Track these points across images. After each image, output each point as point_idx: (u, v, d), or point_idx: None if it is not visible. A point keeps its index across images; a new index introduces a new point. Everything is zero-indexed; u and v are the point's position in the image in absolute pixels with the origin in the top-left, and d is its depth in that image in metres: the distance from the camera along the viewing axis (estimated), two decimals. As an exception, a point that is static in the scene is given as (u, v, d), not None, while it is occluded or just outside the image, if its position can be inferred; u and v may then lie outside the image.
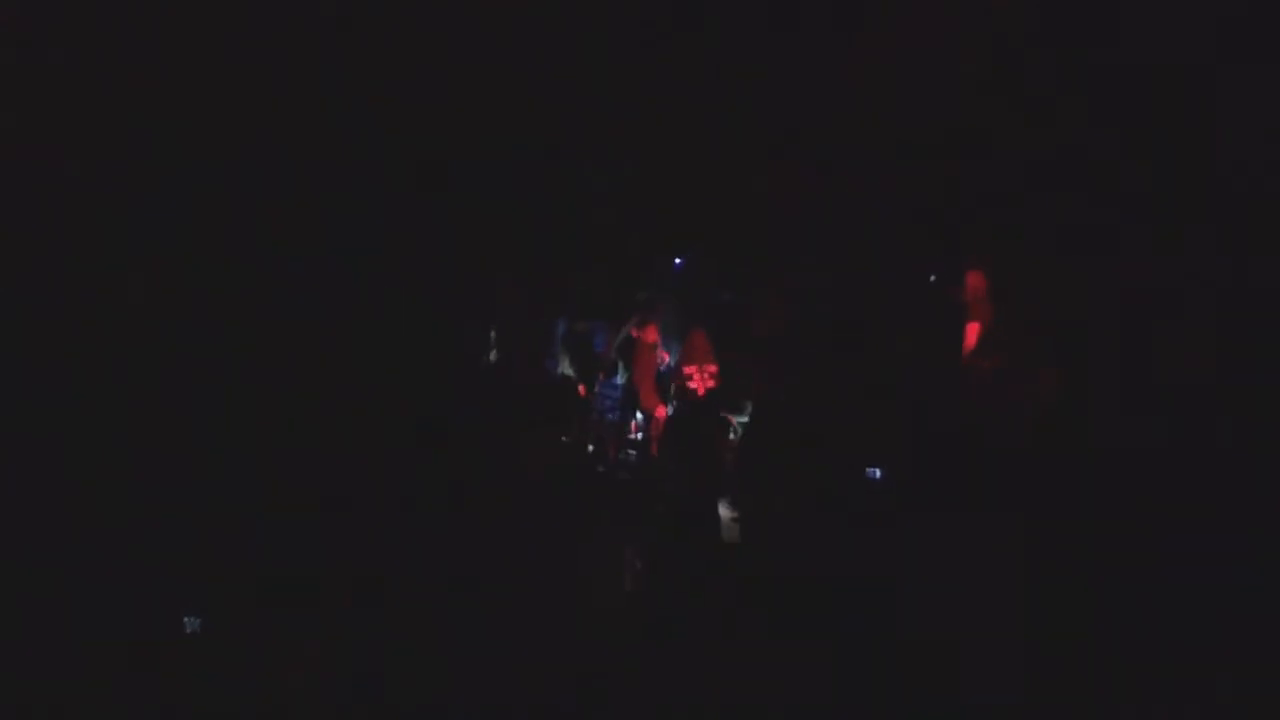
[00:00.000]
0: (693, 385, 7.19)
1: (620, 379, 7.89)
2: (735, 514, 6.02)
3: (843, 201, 6.51)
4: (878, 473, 5.56)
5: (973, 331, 5.50)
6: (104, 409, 4.06)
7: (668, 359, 7.90)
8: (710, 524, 5.52)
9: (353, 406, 4.85)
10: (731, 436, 7.09)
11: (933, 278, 6.46)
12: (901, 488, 5.30)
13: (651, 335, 7.64)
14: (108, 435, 4.04)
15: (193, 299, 4.46)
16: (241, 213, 4.65)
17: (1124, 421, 4.21)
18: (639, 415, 7.83)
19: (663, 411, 7.46)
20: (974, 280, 5.61)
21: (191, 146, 4.49)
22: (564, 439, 6.27)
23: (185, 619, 3.72)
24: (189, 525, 4.07)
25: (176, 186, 4.45)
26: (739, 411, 7.29)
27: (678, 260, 8.64)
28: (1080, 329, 4.70)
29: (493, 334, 6.96)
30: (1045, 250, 5.04)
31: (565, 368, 7.86)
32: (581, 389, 7.42)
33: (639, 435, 7.87)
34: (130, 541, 3.93)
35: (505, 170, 6.08)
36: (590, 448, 7.14)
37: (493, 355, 7.07)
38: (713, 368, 7.23)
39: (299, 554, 4.20)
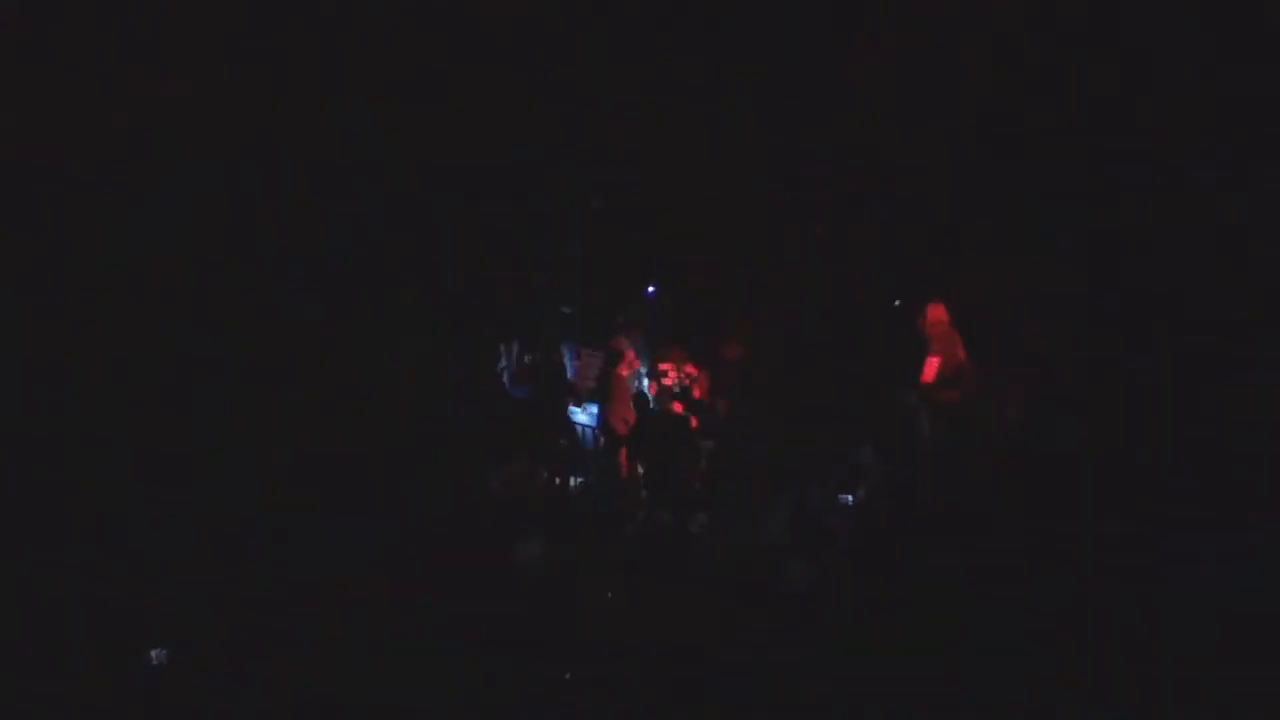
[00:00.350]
0: (668, 382, 7.14)
1: (595, 407, 7.74)
2: (705, 532, 5.90)
3: (841, 203, 6.52)
4: (850, 498, 5.50)
5: (932, 365, 5.43)
6: (104, 409, 4.06)
7: (638, 365, 7.73)
8: (680, 542, 5.47)
9: (351, 407, 4.85)
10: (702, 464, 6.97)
11: (896, 303, 6.41)
12: (881, 505, 5.28)
13: (626, 367, 7.48)
14: (107, 435, 4.04)
15: (193, 299, 4.46)
16: (242, 213, 4.65)
17: (1123, 422, 4.22)
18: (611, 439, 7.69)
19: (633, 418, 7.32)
20: (934, 312, 5.54)
21: (191, 146, 4.49)
22: (541, 468, 6.30)
23: (151, 652, 3.67)
24: (188, 525, 4.07)
25: (176, 186, 4.45)
26: (713, 435, 7.17)
27: (650, 289, 8.55)
28: (1080, 327, 4.71)
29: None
30: (1044, 249, 5.05)
31: (536, 394, 7.73)
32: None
33: (611, 461, 7.75)
34: (130, 541, 3.92)
35: (505, 170, 6.09)
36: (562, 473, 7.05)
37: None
38: (690, 369, 7.19)
39: (298, 554, 4.20)
